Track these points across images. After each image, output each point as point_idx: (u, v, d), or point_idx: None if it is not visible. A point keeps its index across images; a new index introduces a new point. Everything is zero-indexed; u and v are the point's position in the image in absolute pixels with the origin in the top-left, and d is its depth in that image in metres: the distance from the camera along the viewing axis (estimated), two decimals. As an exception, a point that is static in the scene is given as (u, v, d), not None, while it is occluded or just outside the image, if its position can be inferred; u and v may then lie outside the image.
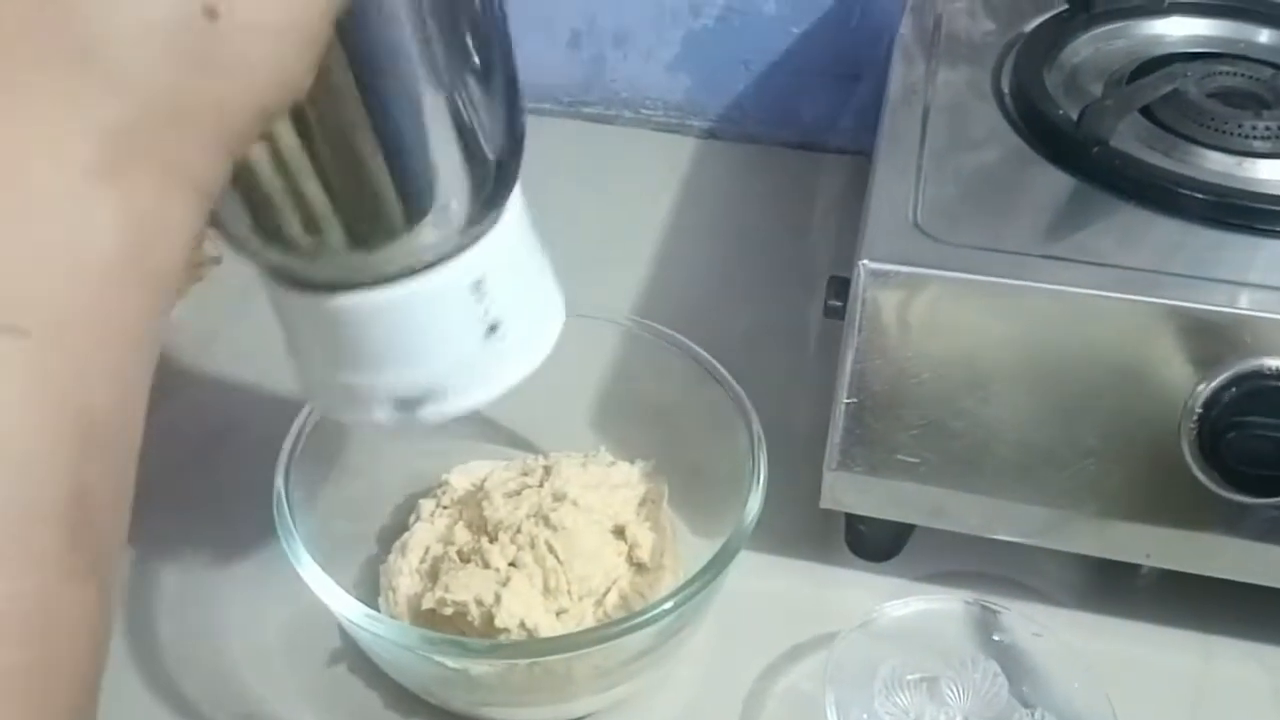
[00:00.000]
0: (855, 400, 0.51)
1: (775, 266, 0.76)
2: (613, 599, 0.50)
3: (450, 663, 0.45)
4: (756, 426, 0.52)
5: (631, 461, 0.58)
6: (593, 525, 0.51)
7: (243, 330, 0.73)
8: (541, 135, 0.90)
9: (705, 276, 0.76)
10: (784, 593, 0.57)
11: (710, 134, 0.88)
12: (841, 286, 0.51)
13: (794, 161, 0.86)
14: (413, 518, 0.57)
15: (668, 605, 0.44)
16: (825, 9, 0.81)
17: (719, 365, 0.56)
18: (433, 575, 0.52)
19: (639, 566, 0.53)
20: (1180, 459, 0.48)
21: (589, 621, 0.50)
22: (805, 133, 0.86)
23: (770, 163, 0.85)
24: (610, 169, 0.85)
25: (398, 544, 0.55)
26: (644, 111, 0.89)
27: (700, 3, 0.83)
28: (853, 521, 0.57)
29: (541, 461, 0.58)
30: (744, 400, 0.54)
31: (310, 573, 0.46)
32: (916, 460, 0.51)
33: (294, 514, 0.49)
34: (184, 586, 0.57)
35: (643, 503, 0.56)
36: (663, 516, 0.56)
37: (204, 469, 0.63)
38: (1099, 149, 0.54)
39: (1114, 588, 0.56)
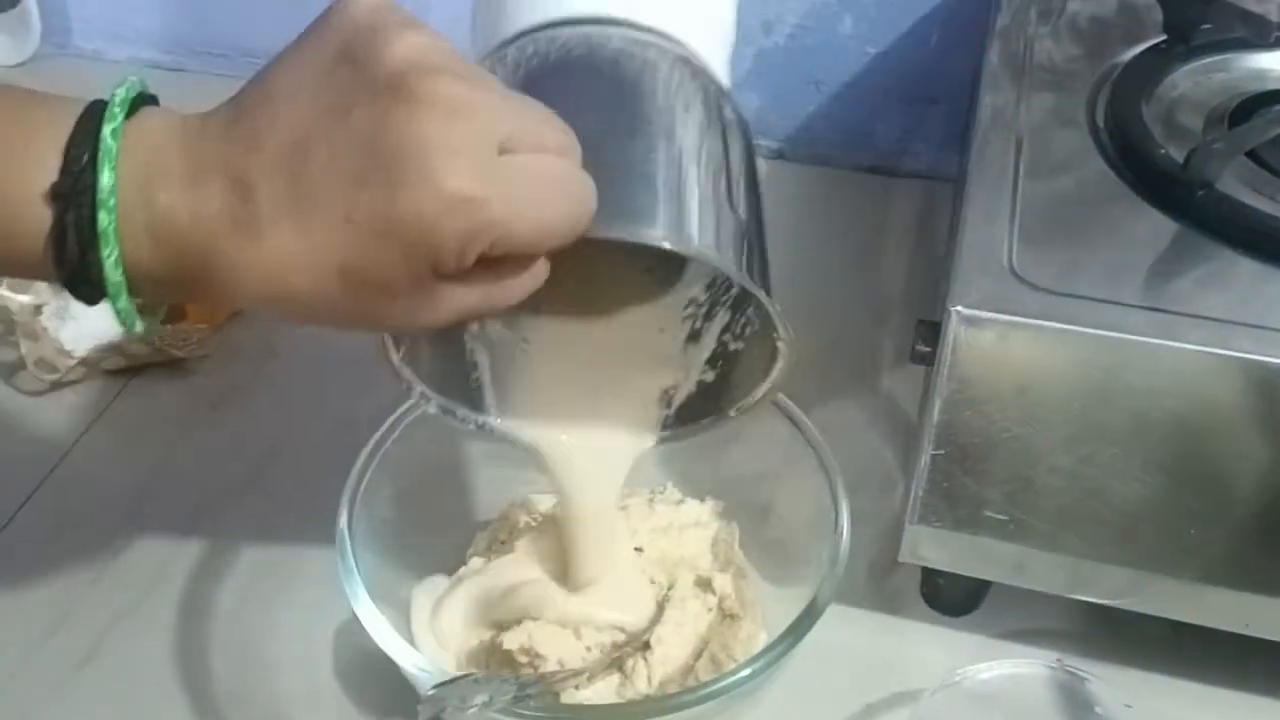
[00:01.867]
0: (942, 452, 0.49)
1: (845, 295, 0.74)
2: (703, 663, 0.48)
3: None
4: (838, 476, 0.50)
5: (701, 499, 0.56)
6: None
7: (299, 346, 0.71)
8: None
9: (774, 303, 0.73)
10: (856, 646, 0.54)
11: (779, 154, 0.85)
12: (929, 331, 0.49)
13: (865, 185, 0.83)
14: (470, 550, 0.55)
15: (745, 673, 0.42)
16: (903, 29, 0.79)
17: (790, 402, 0.54)
18: (491, 614, 0.51)
19: (730, 618, 0.51)
20: (1283, 524, 0.46)
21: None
22: (878, 155, 0.84)
23: (841, 186, 0.83)
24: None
25: (455, 575, 0.53)
26: (711, 130, 0.87)
27: (772, 20, 0.81)
28: (930, 574, 0.55)
29: None
30: (823, 446, 0.52)
31: (372, 621, 0.45)
32: (1005, 517, 0.49)
33: (356, 552, 0.47)
34: (238, 616, 0.56)
35: (714, 544, 0.54)
36: (737, 557, 0.54)
37: (260, 489, 0.62)
38: (1205, 193, 0.51)
39: (1207, 654, 0.53)
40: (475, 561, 0.54)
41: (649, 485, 0.57)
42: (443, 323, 0.35)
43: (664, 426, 0.49)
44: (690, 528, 0.54)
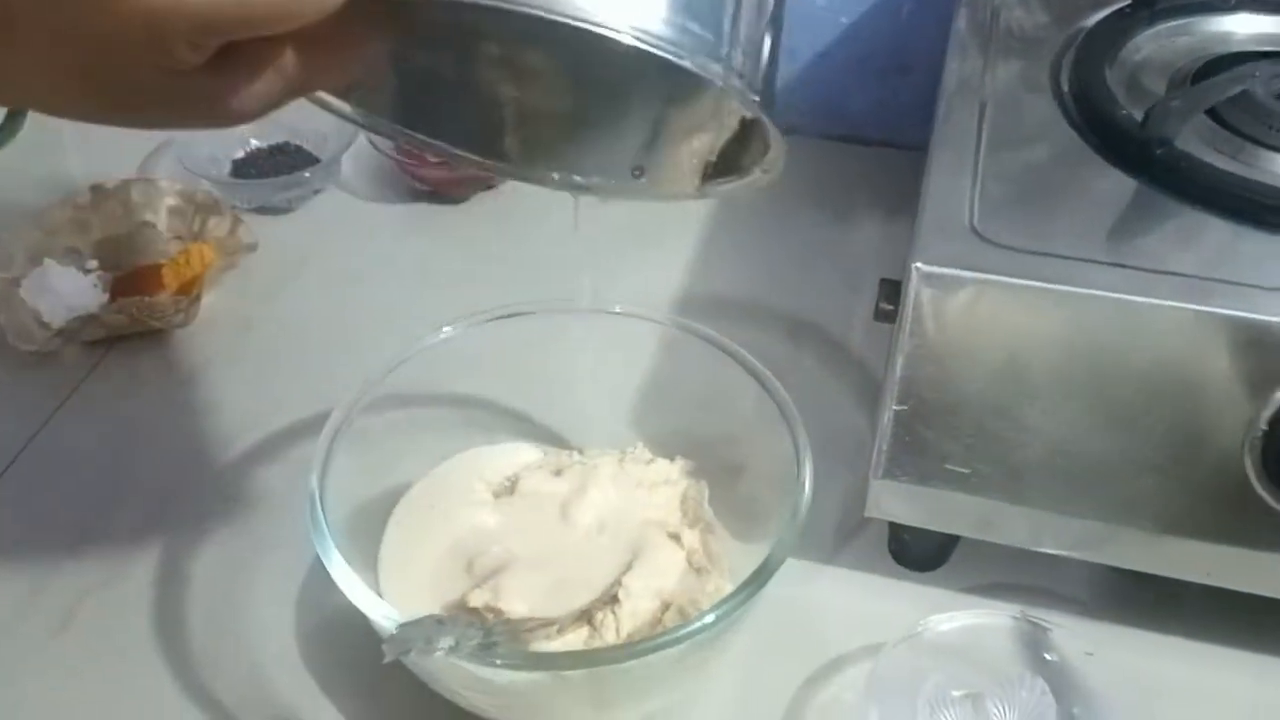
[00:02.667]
0: (904, 407, 0.49)
1: (818, 263, 0.75)
2: (670, 616, 0.49)
3: (476, 672, 0.43)
4: (802, 432, 0.51)
5: (671, 459, 0.57)
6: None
7: (276, 319, 0.72)
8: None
9: (746, 272, 0.74)
10: (826, 601, 0.55)
11: (753, 125, 0.86)
12: (892, 289, 0.50)
13: (839, 155, 0.84)
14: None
15: (708, 619, 0.43)
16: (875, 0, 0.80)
17: (760, 365, 0.54)
18: (468, 568, 0.51)
19: (698, 572, 0.52)
20: (1243, 475, 0.46)
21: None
22: (851, 126, 0.84)
23: (815, 156, 0.83)
24: (650, 159, 0.84)
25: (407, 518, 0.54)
26: (686, 101, 0.87)
27: (746, -9, 0.81)
28: (897, 531, 0.56)
29: (576, 459, 0.57)
30: (788, 402, 0.52)
31: (343, 575, 0.45)
32: (967, 470, 0.50)
33: (326, 512, 0.48)
34: (215, 584, 0.57)
35: (683, 501, 0.55)
36: (705, 514, 0.55)
37: (233, 460, 0.63)
38: (1163, 150, 0.52)
39: (1167, 604, 0.54)
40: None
41: (619, 446, 0.58)
42: (249, 114, 0.33)
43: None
44: (660, 485, 0.54)
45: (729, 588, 0.51)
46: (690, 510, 0.54)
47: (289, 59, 0.33)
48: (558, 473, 0.56)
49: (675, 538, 0.52)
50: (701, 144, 0.44)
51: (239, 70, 0.32)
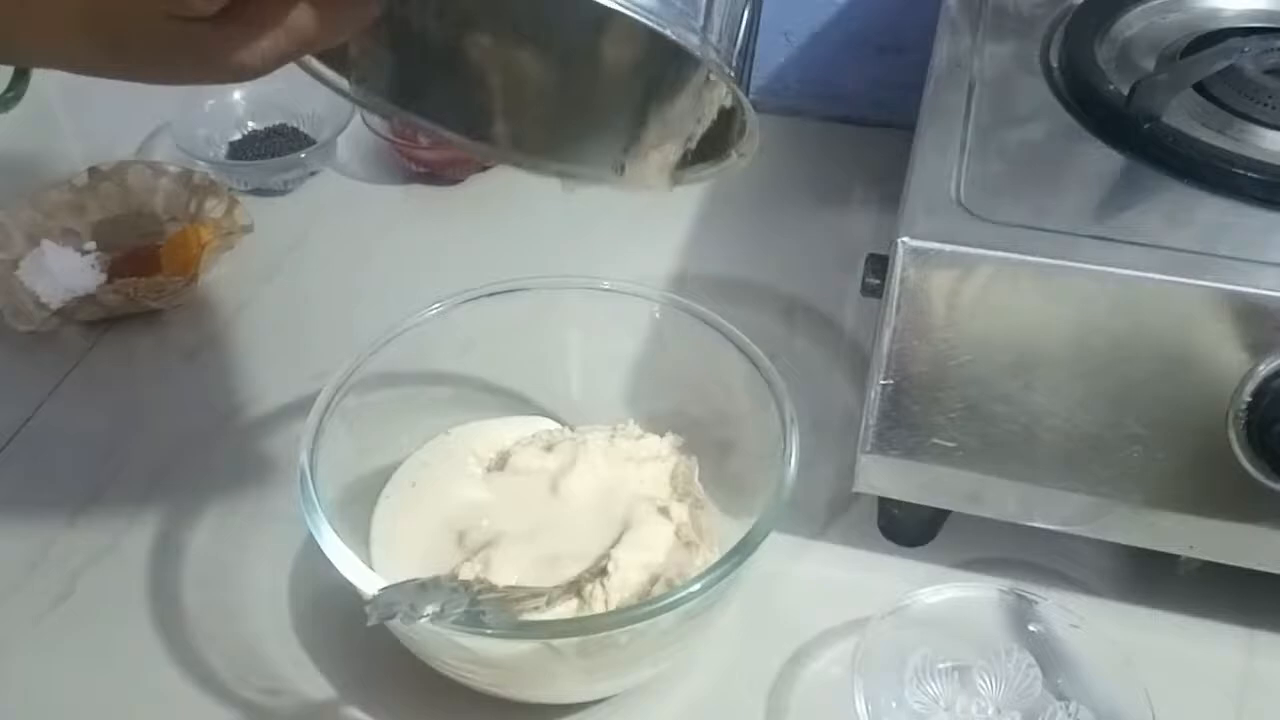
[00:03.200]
0: (892, 382, 0.50)
1: (813, 243, 0.75)
2: (659, 588, 0.49)
3: (465, 643, 0.44)
4: (789, 407, 0.51)
5: (661, 435, 0.57)
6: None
7: (272, 299, 0.72)
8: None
9: (741, 251, 0.74)
10: (814, 576, 0.56)
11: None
12: (880, 264, 0.50)
13: (835, 135, 0.84)
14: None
15: (694, 588, 0.43)
16: (871, -21, 0.80)
17: (751, 343, 0.55)
18: (459, 542, 0.52)
19: (687, 545, 0.52)
20: (1228, 449, 0.47)
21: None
22: (848, 106, 0.84)
23: (811, 136, 0.84)
24: (646, 141, 0.84)
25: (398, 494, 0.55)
26: (682, 82, 0.87)
27: (741, -29, 0.81)
28: (886, 505, 0.56)
29: (567, 435, 0.57)
30: (777, 379, 0.53)
31: (333, 548, 0.46)
32: (954, 445, 0.50)
33: (317, 488, 0.48)
34: (211, 558, 0.57)
35: (673, 476, 0.55)
36: (695, 490, 0.55)
37: (229, 438, 0.63)
38: (1150, 125, 0.52)
39: (1154, 579, 0.54)
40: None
41: (611, 422, 0.58)
42: (256, 70, 0.32)
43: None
44: (650, 461, 0.55)
45: (702, 558, 0.52)
46: (680, 485, 0.54)
47: (299, 12, 0.32)
48: (549, 448, 0.56)
49: (664, 512, 0.52)
50: (678, 145, 0.45)
51: (250, 22, 0.32)
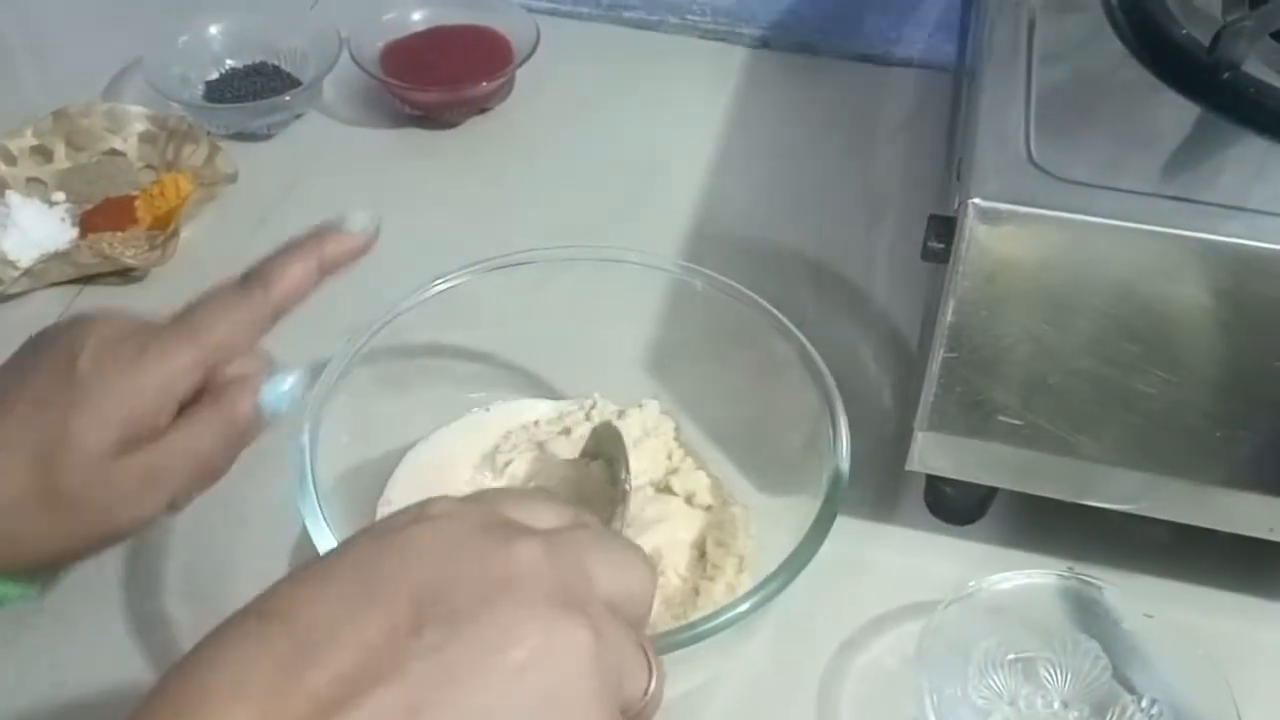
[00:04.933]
0: (955, 355, 0.46)
1: (835, 193, 0.70)
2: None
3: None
4: (834, 394, 0.47)
5: (640, 405, 0.54)
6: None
7: (259, 254, 0.67)
8: (576, 42, 0.84)
9: (758, 203, 0.70)
10: (860, 558, 0.52)
11: (763, 43, 0.81)
12: (943, 226, 0.46)
13: (855, 75, 0.79)
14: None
15: (743, 608, 0.40)
16: (894, -94, 0.74)
17: (789, 322, 0.50)
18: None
19: (706, 509, 0.50)
20: (1317, 427, 0.43)
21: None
22: (868, 43, 0.79)
23: (828, 76, 0.79)
24: (651, 81, 0.79)
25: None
26: (690, 17, 0.82)
27: (756, -102, 0.76)
28: (936, 483, 0.53)
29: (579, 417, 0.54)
30: (814, 356, 0.49)
31: (321, 539, 0.42)
32: (1020, 422, 0.47)
33: (316, 473, 0.45)
34: (202, 538, 0.53)
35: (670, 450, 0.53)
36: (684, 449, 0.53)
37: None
38: (1231, 75, 0.48)
39: (1213, 557, 0.51)
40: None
41: (636, 399, 0.54)
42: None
43: None
44: (643, 440, 0.51)
45: (740, 510, 0.50)
46: (675, 454, 0.51)
47: None
48: (566, 431, 0.52)
49: (666, 487, 0.49)
50: None
51: None
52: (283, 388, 0.43)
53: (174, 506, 0.42)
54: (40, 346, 0.42)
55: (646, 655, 0.29)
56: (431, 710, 0.24)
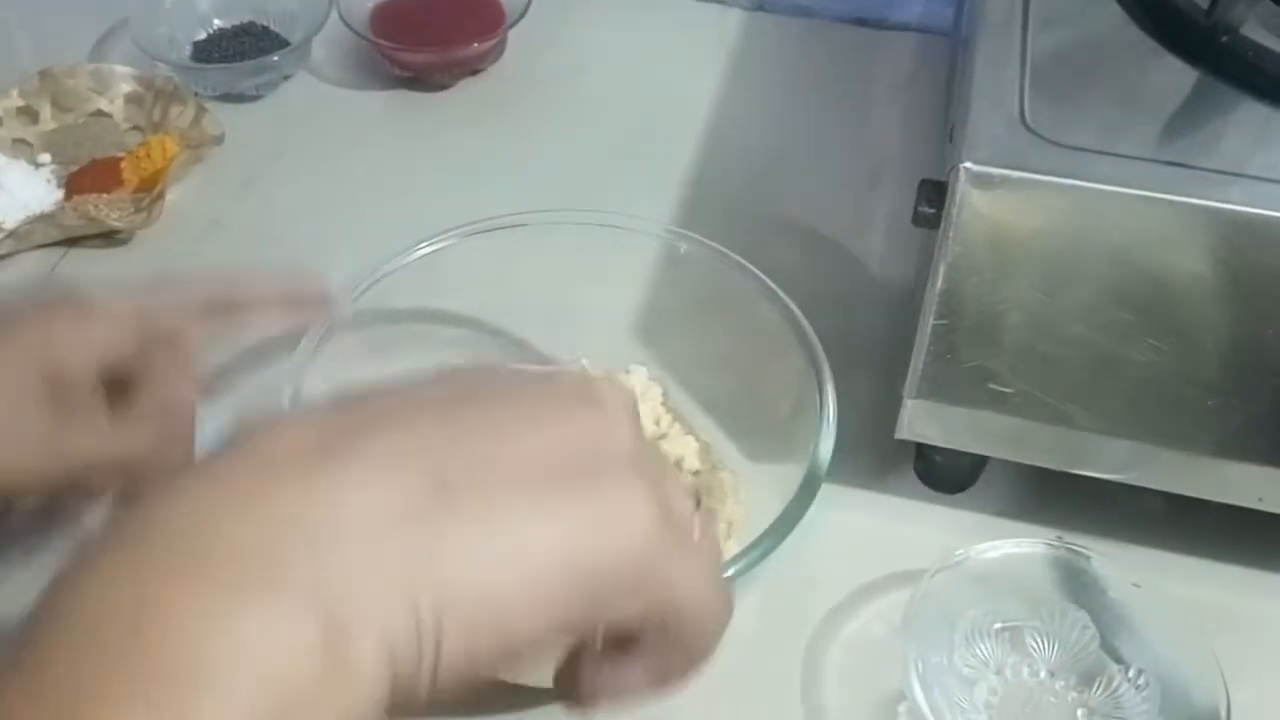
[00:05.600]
0: (945, 322, 0.45)
1: (831, 158, 0.70)
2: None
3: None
4: (822, 361, 0.47)
5: (626, 370, 0.54)
6: None
7: (246, 218, 0.66)
8: (569, 4, 0.83)
9: (752, 167, 0.69)
10: (847, 526, 0.52)
11: (759, 6, 0.80)
12: (934, 191, 0.45)
13: (851, 38, 0.78)
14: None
15: (729, 573, 0.39)
16: None
17: (778, 289, 0.50)
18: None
19: (694, 474, 0.50)
20: (1311, 396, 0.43)
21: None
22: (864, 6, 0.78)
23: (824, 39, 0.78)
24: (646, 44, 0.78)
25: None
26: (684, -21, 0.81)
27: None
28: (925, 451, 0.52)
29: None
30: (806, 327, 0.48)
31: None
32: (1010, 390, 0.46)
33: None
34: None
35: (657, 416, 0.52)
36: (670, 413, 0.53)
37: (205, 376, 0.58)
38: (1230, 38, 0.47)
39: (1202, 526, 0.51)
40: None
41: (624, 366, 0.54)
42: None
43: None
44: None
45: (729, 475, 0.50)
46: (663, 420, 0.51)
47: None
48: None
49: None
50: None
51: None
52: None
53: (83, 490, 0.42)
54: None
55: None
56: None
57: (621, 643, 0.27)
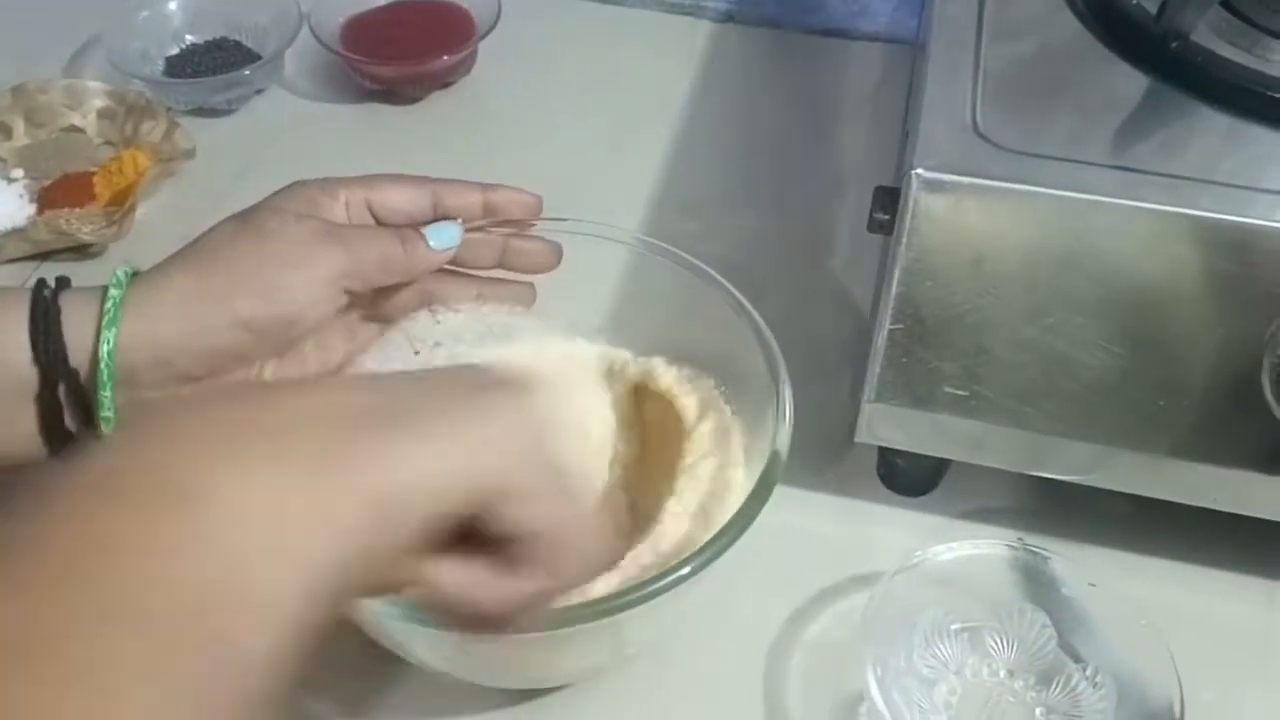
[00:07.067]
0: (900, 326, 0.46)
1: (799, 168, 0.70)
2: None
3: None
4: (780, 363, 0.47)
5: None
6: None
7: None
8: (539, 16, 0.83)
9: (720, 178, 0.70)
10: (810, 529, 0.52)
11: (728, 17, 0.80)
12: (888, 197, 0.46)
13: (820, 49, 0.79)
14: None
15: (684, 571, 0.39)
16: (858, -120, 0.74)
17: (736, 291, 0.50)
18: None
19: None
20: (1259, 397, 0.44)
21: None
22: (831, 17, 0.79)
23: (793, 50, 0.79)
24: (615, 55, 0.78)
25: None
26: (654, -9, 0.81)
27: (720, -128, 0.75)
28: (888, 454, 0.53)
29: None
30: (764, 330, 0.48)
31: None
32: (965, 393, 0.47)
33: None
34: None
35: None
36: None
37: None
38: (1179, 45, 0.48)
39: (1167, 529, 0.52)
40: None
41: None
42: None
43: None
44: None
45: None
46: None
47: None
48: None
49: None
50: None
51: None
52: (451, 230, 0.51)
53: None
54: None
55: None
56: None
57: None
